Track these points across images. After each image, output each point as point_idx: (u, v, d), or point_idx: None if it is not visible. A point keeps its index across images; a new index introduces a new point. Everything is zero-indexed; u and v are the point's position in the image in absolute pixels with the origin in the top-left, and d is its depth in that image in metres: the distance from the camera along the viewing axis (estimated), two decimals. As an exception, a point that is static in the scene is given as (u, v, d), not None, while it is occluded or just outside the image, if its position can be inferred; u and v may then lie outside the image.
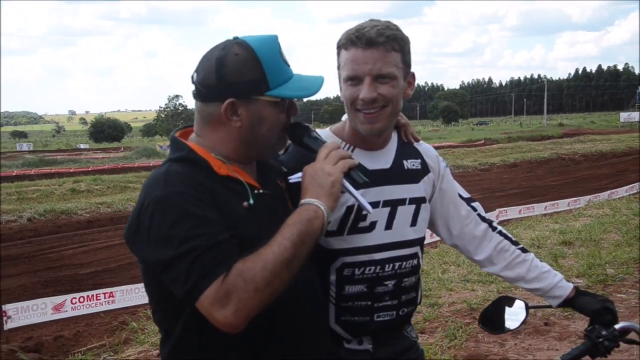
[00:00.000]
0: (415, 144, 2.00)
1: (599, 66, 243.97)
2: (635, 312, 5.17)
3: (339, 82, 1.81)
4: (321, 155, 1.62)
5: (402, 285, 1.91)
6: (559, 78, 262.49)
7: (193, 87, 1.63)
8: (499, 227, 2.04)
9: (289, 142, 1.76)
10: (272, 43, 1.60)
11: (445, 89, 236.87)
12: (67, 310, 6.49)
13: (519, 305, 1.97)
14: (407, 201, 1.89)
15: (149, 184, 1.52)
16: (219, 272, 1.38)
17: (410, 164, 1.93)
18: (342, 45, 1.75)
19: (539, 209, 12.72)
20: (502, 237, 2.01)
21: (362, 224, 1.84)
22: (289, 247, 1.43)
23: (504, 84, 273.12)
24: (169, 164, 1.56)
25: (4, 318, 6.03)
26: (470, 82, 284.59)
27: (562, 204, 13.27)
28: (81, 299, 6.59)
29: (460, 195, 2.05)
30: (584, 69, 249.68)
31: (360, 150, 1.88)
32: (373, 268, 1.84)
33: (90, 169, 28.77)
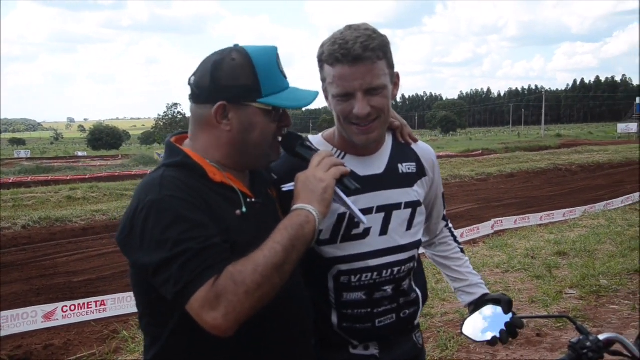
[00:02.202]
0: (413, 145, 2.00)
1: (597, 77, 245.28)
2: (628, 324, 5.15)
3: (324, 93, 1.81)
4: (314, 162, 1.64)
5: (401, 289, 1.92)
6: (558, 89, 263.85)
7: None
8: (451, 225, 2.25)
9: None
10: (271, 53, 1.63)
11: (444, 98, 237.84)
12: (57, 319, 6.43)
13: (501, 313, 1.95)
14: (403, 205, 1.89)
15: (143, 188, 1.53)
16: (210, 275, 1.39)
17: (405, 167, 1.93)
18: (325, 61, 1.73)
19: (534, 219, 12.67)
20: (449, 234, 2.22)
21: (355, 231, 1.83)
22: (280, 252, 1.44)
23: (502, 94, 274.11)
24: (164, 169, 1.57)
25: (-6, 326, 5.99)
26: (469, 92, 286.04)
27: (558, 215, 13.23)
28: (72, 307, 6.54)
29: (442, 194, 2.13)
30: (582, 80, 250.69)
31: (352, 156, 1.87)
32: (370, 275, 1.85)
33: (87, 177, 28.70)
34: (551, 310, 5.61)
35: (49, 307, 6.48)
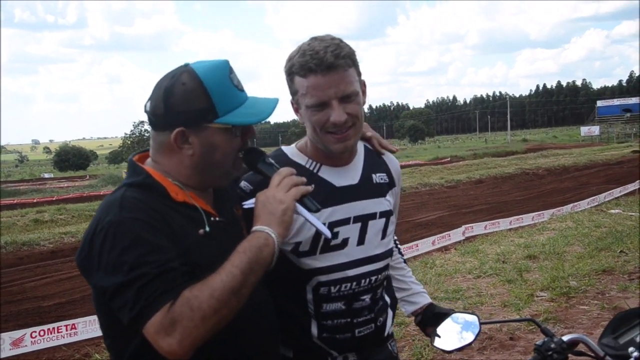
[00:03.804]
0: (384, 156, 2.03)
1: (559, 82, 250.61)
2: (598, 323, 5.24)
3: (294, 106, 1.81)
4: (274, 182, 1.63)
5: (376, 298, 1.94)
6: (521, 94, 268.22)
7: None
8: (396, 238, 2.21)
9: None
10: (222, 69, 1.60)
11: (411, 107, 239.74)
12: (26, 345, 6.27)
13: (471, 319, 1.98)
14: (378, 215, 1.91)
15: (104, 209, 1.52)
16: (166, 300, 1.37)
17: (378, 177, 1.95)
18: (296, 72, 1.72)
19: (504, 224, 12.85)
20: (394, 245, 2.17)
21: (334, 242, 1.84)
22: (237, 275, 1.43)
23: (468, 101, 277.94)
24: (125, 189, 1.56)
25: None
26: (435, 100, 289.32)
27: (527, 219, 13.44)
28: (41, 332, 6.39)
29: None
30: (544, 85, 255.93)
31: (327, 167, 1.88)
32: (349, 285, 1.85)
33: (54, 199, 28.21)
34: (523, 313, 5.68)
35: (16, 334, 6.32)
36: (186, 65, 1.61)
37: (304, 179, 1.68)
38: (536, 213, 14.03)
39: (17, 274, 11.25)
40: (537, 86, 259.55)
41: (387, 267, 1.96)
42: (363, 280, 1.87)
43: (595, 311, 5.67)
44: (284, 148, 1.96)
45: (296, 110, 1.83)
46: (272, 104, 1.67)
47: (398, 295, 2.18)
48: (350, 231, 1.85)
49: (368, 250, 1.88)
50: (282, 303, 1.83)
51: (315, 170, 1.86)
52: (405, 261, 2.26)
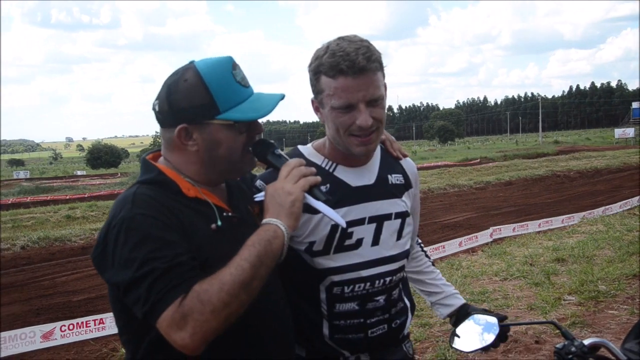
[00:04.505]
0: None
1: (592, 83, 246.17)
2: (626, 328, 5.13)
3: (315, 105, 1.81)
4: (282, 173, 1.63)
5: (392, 299, 1.92)
6: (554, 96, 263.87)
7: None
8: (420, 241, 2.27)
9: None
10: (224, 66, 1.61)
11: (441, 108, 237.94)
12: (56, 338, 6.42)
13: (492, 321, 1.96)
14: (393, 216, 1.90)
15: (117, 205, 1.54)
16: (177, 295, 1.39)
17: (394, 178, 1.94)
18: (323, 72, 1.70)
19: (532, 226, 12.68)
20: (419, 249, 2.23)
21: (348, 242, 1.84)
22: (247, 269, 1.43)
23: (498, 102, 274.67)
24: (138, 186, 1.58)
25: (-8, 347, 5.97)
26: (466, 101, 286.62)
27: (556, 221, 13.24)
28: (71, 327, 6.53)
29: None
30: (578, 86, 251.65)
31: (343, 167, 1.88)
32: (362, 285, 1.85)
33: (86, 196, 28.69)
34: (550, 316, 5.60)
35: (47, 327, 6.47)
36: (191, 62, 1.62)
37: (313, 170, 1.68)
38: (566, 216, 13.82)
39: (49, 268, 11.49)
40: (570, 87, 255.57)
41: (402, 268, 1.95)
42: (377, 281, 1.86)
43: (625, 316, 5.56)
44: (301, 147, 1.96)
45: (317, 109, 1.82)
46: (275, 99, 1.66)
47: (431, 299, 2.18)
48: (365, 231, 1.85)
49: (383, 251, 1.87)
50: (295, 302, 1.83)
51: (331, 170, 1.86)
52: (433, 263, 2.24)
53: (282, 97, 1.68)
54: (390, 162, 1.97)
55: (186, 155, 1.62)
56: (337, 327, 1.86)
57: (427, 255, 2.24)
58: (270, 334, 1.68)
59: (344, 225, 1.74)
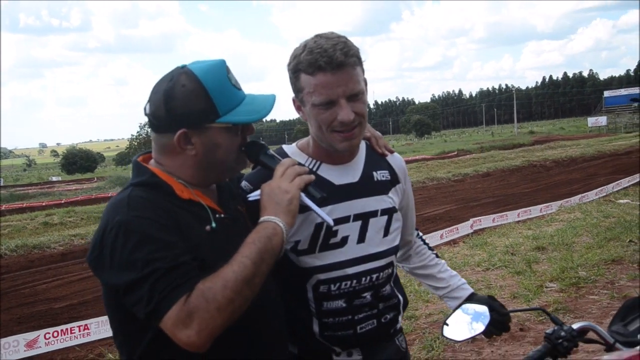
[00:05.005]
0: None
1: (565, 73, 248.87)
2: (607, 312, 5.24)
3: (297, 103, 1.81)
4: (277, 172, 1.65)
5: (380, 295, 1.93)
6: (527, 87, 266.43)
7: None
8: (421, 234, 2.25)
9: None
10: (219, 69, 1.62)
11: (417, 102, 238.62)
12: (40, 346, 6.35)
13: (481, 310, 1.99)
14: (379, 212, 1.90)
15: (112, 208, 1.54)
16: (181, 294, 1.40)
17: (379, 175, 1.94)
18: (302, 70, 1.71)
19: (512, 216, 12.85)
20: (421, 242, 2.23)
21: (333, 240, 1.84)
22: (249, 265, 1.45)
23: (474, 95, 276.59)
24: (131, 189, 1.58)
25: (-25, 358, 5.89)
26: (441, 94, 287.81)
27: (535, 210, 13.43)
28: (55, 334, 6.46)
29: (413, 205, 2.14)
30: (551, 77, 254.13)
31: (327, 165, 1.88)
32: (349, 283, 1.85)
33: (63, 202, 28.33)
34: (533, 304, 5.68)
35: (31, 335, 6.40)
36: (183, 66, 1.62)
37: (306, 169, 1.71)
38: (544, 205, 14.02)
39: (28, 276, 11.34)
40: (544, 78, 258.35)
41: (391, 264, 1.95)
42: (364, 278, 1.87)
43: (605, 300, 5.67)
44: (285, 147, 1.96)
45: (298, 108, 1.82)
46: (270, 100, 1.69)
47: (439, 293, 2.18)
48: (350, 229, 1.85)
49: (369, 248, 1.88)
50: (285, 301, 1.83)
51: (314, 169, 1.86)
52: (437, 255, 2.24)
53: (275, 98, 1.71)
54: (376, 159, 1.98)
55: (182, 160, 1.62)
56: (326, 325, 1.87)
57: (430, 248, 2.24)
58: (270, 332, 1.70)
59: (332, 224, 1.75)
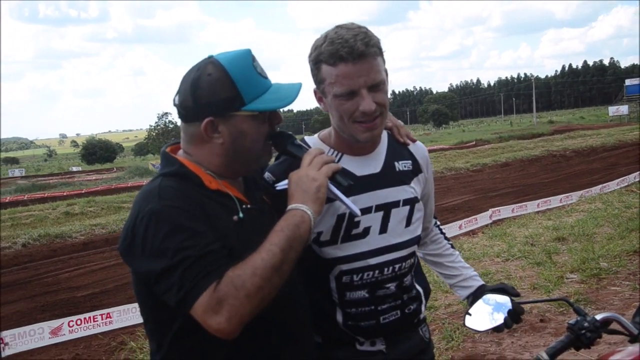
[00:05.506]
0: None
1: (585, 62, 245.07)
2: (629, 304, 5.21)
3: (318, 94, 1.82)
4: (305, 161, 1.67)
5: (404, 286, 1.94)
6: (547, 75, 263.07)
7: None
8: (439, 223, 2.26)
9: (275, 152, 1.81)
10: (245, 58, 1.64)
11: (434, 92, 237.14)
12: (64, 334, 6.46)
13: (502, 300, 1.99)
14: (401, 203, 1.90)
15: (143, 198, 1.57)
16: (211, 281, 1.43)
17: (401, 165, 1.94)
18: (324, 61, 1.71)
19: (531, 206, 12.74)
20: (438, 231, 2.24)
21: (355, 231, 1.85)
22: (277, 253, 1.47)
23: (492, 84, 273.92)
24: (161, 179, 1.61)
25: (1, 345, 6.01)
26: (459, 84, 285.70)
27: (555, 201, 13.30)
28: (78, 322, 6.56)
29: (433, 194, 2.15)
30: (570, 65, 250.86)
31: (349, 156, 1.89)
32: (371, 273, 1.86)
33: (83, 192, 28.67)
34: (553, 295, 5.66)
35: (55, 323, 6.50)
36: (210, 57, 1.65)
37: (333, 157, 1.72)
38: (564, 195, 13.87)
39: (51, 265, 11.50)
40: (563, 66, 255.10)
41: (413, 254, 1.96)
42: (386, 269, 1.88)
43: (627, 292, 5.63)
44: (307, 138, 1.97)
45: (320, 99, 1.82)
46: (295, 88, 1.71)
47: (450, 281, 2.20)
48: (372, 220, 1.86)
49: (391, 239, 1.88)
50: (308, 291, 1.85)
51: (336, 160, 1.86)
52: (452, 246, 2.25)
53: (301, 86, 1.72)
54: (398, 149, 1.97)
55: (210, 148, 1.65)
56: (349, 315, 1.88)
57: (446, 238, 2.25)
58: (296, 321, 1.73)
59: (358, 213, 1.76)
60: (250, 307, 1.43)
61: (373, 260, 1.86)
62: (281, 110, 1.71)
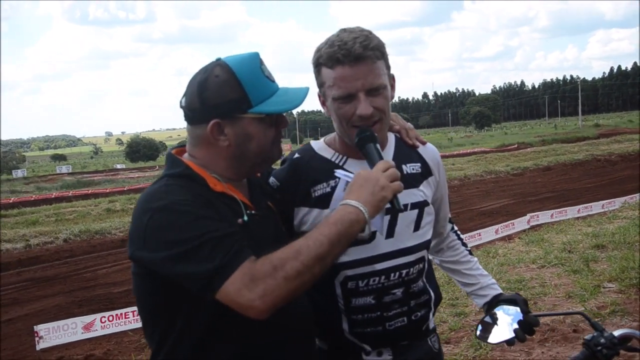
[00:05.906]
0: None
1: (635, 63, 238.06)
2: (668, 317, 5.00)
3: (321, 98, 1.80)
4: (380, 166, 1.62)
5: (411, 291, 1.89)
6: (594, 78, 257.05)
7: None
8: (456, 228, 2.19)
9: (283, 156, 1.79)
10: (253, 61, 1.63)
11: (477, 94, 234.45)
12: (97, 329, 6.61)
13: (514, 311, 1.92)
14: (409, 207, 1.85)
15: (148, 198, 1.56)
16: (242, 259, 1.42)
17: (409, 168, 1.89)
18: (323, 64, 1.71)
19: (572, 212, 12.46)
20: (455, 237, 2.17)
21: (360, 236, 1.77)
22: (325, 244, 1.45)
23: (536, 86, 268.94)
24: (166, 179, 1.61)
25: (36, 338, 6.17)
26: (502, 86, 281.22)
27: (596, 207, 12.98)
28: (110, 318, 6.71)
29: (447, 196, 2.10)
30: (619, 67, 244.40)
31: (354, 160, 1.85)
32: (377, 279, 1.82)
33: (125, 189, 29.30)
34: (588, 305, 5.49)
35: (88, 319, 6.66)
36: (218, 59, 1.64)
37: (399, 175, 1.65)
38: (607, 201, 13.54)
39: (90, 260, 11.80)
40: (612, 68, 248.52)
41: (422, 259, 1.91)
42: (393, 274, 1.83)
43: (667, 305, 5.41)
44: (312, 143, 1.94)
45: (323, 103, 1.80)
46: (302, 92, 1.68)
47: (467, 289, 2.14)
48: (379, 224, 1.81)
49: (398, 243, 1.83)
50: (314, 298, 1.81)
51: (341, 164, 1.84)
52: (470, 252, 2.19)
53: (308, 90, 1.70)
54: (406, 152, 1.93)
55: (215, 151, 1.63)
56: (355, 322, 1.84)
57: (464, 244, 2.19)
58: (300, 328, 1.70)
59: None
60: (287, 290, 1.41)
61: (379, 266, 1.82)
62: (296, 110, 1.69)
